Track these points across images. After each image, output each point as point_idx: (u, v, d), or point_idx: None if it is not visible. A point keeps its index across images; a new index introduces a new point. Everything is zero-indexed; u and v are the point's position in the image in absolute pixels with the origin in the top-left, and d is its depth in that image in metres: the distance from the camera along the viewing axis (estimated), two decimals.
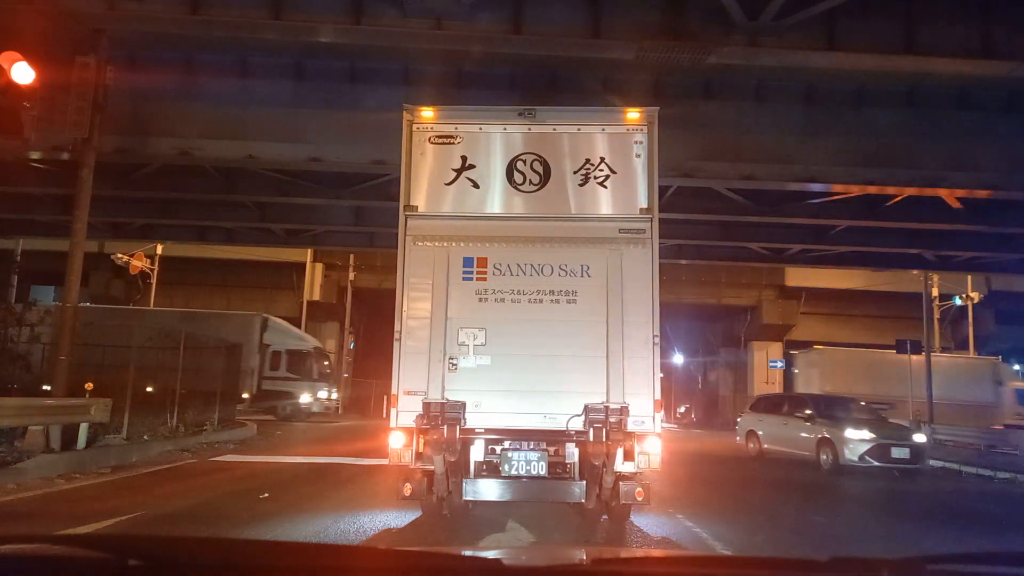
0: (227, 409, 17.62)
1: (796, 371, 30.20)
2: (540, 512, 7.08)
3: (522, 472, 6.06)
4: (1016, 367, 57.51)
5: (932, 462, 15.32)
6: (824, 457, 13.71)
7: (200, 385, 16.37)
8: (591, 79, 12.77)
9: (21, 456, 9.57)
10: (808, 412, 14.83)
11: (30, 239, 24.55)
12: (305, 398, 25.38)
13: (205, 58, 13.03)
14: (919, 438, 14.20)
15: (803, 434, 14.54)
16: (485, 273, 6.26)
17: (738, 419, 19.01)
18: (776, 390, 35.61)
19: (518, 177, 6.43)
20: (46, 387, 12.11)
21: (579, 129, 6.55)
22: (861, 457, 13.12)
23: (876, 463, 13.13)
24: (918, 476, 13.58)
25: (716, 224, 19.58)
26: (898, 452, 13.28)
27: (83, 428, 10.73)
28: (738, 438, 17.19)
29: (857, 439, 13.32)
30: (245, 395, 24.18)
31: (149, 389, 14.75)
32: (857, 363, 27.77)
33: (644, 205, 6.36)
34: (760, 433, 16.10)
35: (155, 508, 7.50)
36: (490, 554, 2.14)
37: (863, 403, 16.58)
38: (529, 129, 6.56)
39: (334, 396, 27.64)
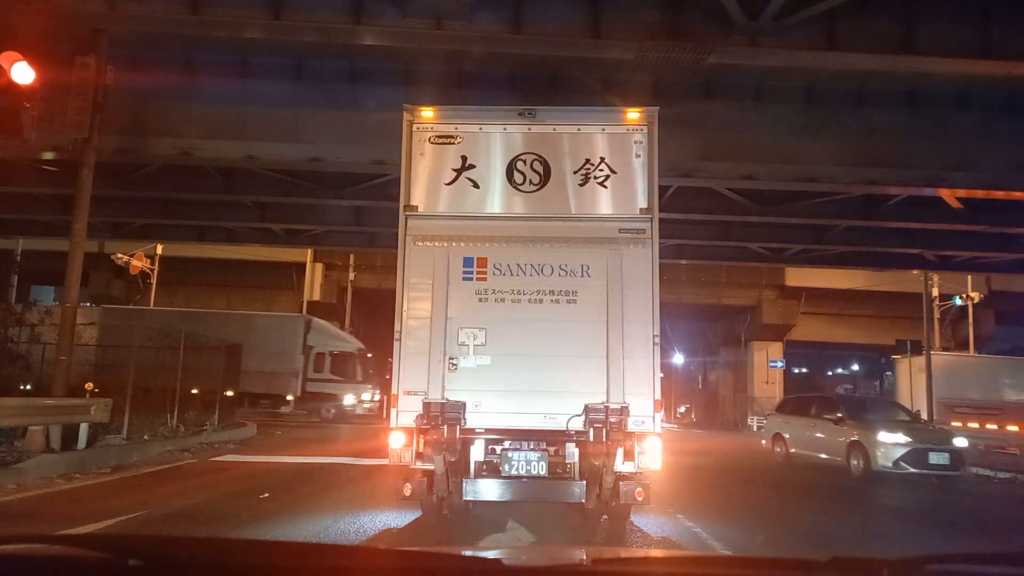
0: (227, 409, 17.62)
1: (898, 377, 27.49)
2: (540, 512, 7.07)
3: (522, 472, 6.06)
4: None
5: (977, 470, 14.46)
6: (855, 462, 12.76)
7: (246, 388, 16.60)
8: (591, 79, 12.77)
9: (21, 456, 9.57)
10: (838, 414, 13.81)
11: (30, 239, 24.55)
12: (349, 400, 25.37)
13: (205, 58, 13.03)
14: (960, 443, 13.08)
15: (832, 437, 13.58)
16: (485, 273, 6.25)
17: (763, 420, 18.28)
18: (777, 390, 35.64)
19: (518, 177, 6.42)
20: (93, 387, 12.23)
21: (579, 129, 6.55)
22: (895, 463, 12.15)
23: (912, 469, 12.13)
24: (959, 484, 12.62)
25: (716, 224, 19.59)
26: (936, 458, 12.27)
27: (83, 428, 10.74)
28: (763, 441, 16.22)
29: (891, 443, 12.36)
30: (289, 397, 24.24)
31: (195, 391, 15.03)
32: (968, 367, 25.87)
33: (644, 205, 6.35)
34: (787, 436, 15.11)
35: (155, 508, 7.49)
36: (490, 554, 2.15)
37: (897, 404, 15.70)
38: (529, 129, 6.55)
39: (377, 398, 27.62)
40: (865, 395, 20.82)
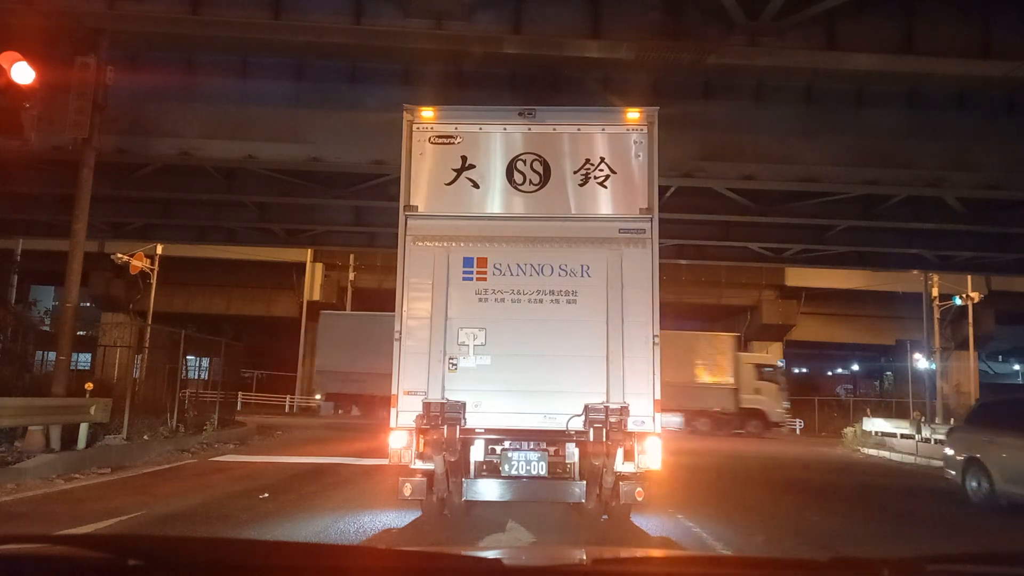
0: (228, 408, 17.63)
1: None
2: (540, 512, 7.07)
3: (522, 472, 6.06)
4: (1016, 367, 57.58)
5: None
6: None
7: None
8: (591, 79, 12.77)
9: (21, 456, 9.57)
10: None
11: (30, 239, 24.55)
12: (776, 413, 25.95)
13: (205, 58, 13.04)
14: None
15: None
16: (485, 273, 6.26)
17: (942, 438, 13.26)
18: None
19: (518, 177, 6.43)
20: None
21: (579, 129, 6.56)
22: None
23: None
24: None
25: (716, 224, 19.57)
26: None
27: (83, 428, 10.74)
28: (951, 472, 10.56)
29: None
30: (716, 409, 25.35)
31: None
32: None
33: (644, 205, 6.36)
34: (991, 464, 9.58)
35: (155, 508, 7.50)
36: (490, 554, 2.14)
37: None
38: (529, 129, 6.56)
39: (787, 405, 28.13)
40: None
